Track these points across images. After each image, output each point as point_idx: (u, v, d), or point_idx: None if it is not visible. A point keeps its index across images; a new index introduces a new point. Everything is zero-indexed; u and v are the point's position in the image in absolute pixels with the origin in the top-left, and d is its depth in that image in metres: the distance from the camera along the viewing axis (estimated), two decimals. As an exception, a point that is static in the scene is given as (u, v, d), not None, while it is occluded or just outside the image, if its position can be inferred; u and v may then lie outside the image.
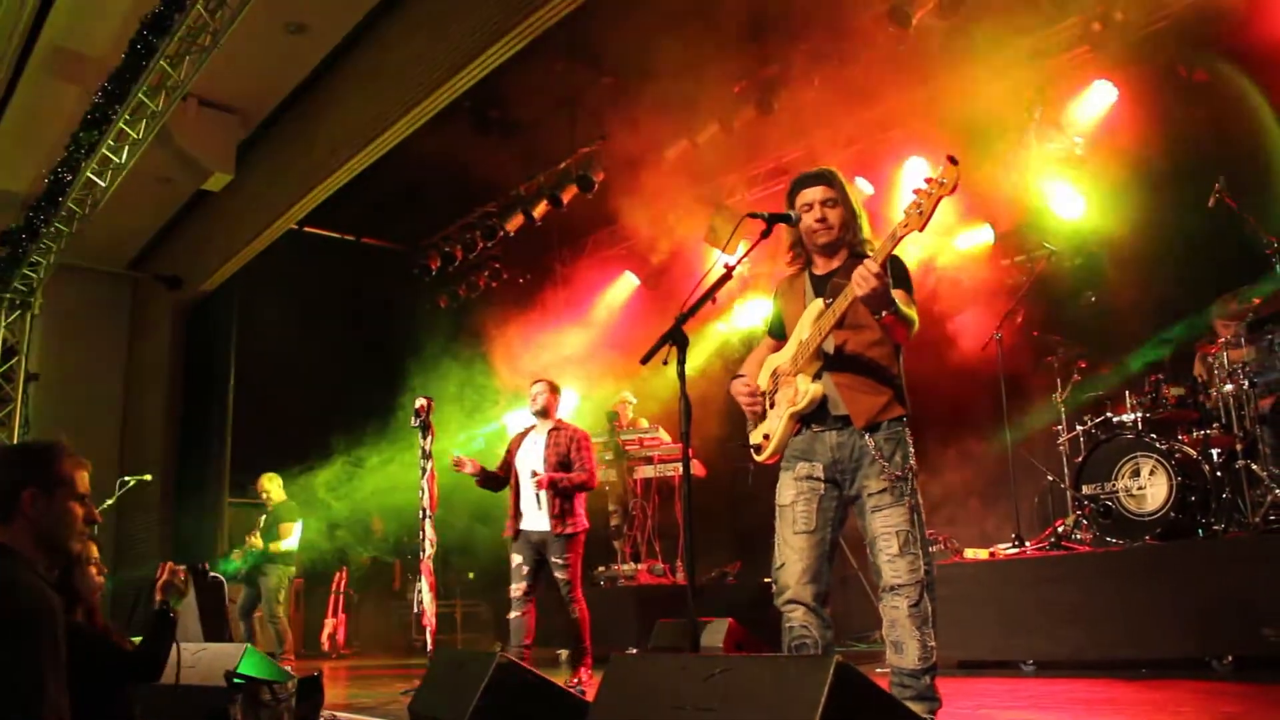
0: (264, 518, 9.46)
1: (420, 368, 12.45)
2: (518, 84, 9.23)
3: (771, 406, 3.71)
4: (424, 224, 13.36)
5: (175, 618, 3.76)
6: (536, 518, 6.64)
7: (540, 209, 11.51)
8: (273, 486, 9.65)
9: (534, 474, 6.63)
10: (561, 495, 6.61)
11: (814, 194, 3.67)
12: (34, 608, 2.72)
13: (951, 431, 9.31)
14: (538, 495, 6.61)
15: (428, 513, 7.07)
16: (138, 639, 3.68)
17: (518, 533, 6.70)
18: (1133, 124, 8.26)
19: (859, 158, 10.17)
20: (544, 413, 7.00)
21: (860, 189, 10.22)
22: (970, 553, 7.29)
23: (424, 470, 7.11)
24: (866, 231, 3.73)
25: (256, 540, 9.24)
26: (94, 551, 3.98)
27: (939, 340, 8.83)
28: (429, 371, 12.25)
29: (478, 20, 7.69)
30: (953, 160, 3.22)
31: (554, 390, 7.08)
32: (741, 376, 3.84)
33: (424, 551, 7.06)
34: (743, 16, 8.44)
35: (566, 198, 11.18)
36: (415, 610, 7.20)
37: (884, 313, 3.34)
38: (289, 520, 9.35)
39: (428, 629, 7.16)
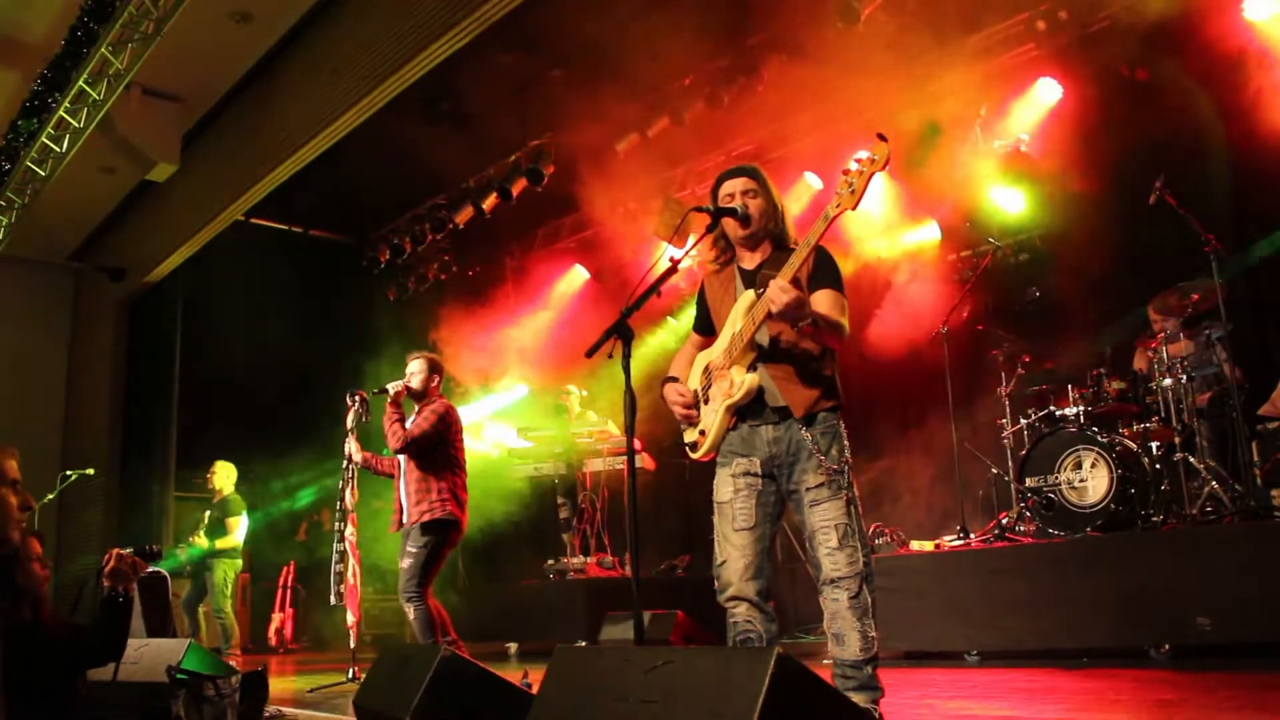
0: (209, 512, 9.30)
1: (369, 361, 12.36)
2: (468, 76, 9.18)
3: (706, 402, 3.72)
4: (373, 216, 13.25)
5: (128, 600, 3.75)
6: (405, 506, 6.23)
7: (490, 201, 11.45)
8: (224, 476, 9.46)
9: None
10: (419, 477, 6.15)
11: (735, 185, 3.71)
12: None
13: (898, 425, 9.42)
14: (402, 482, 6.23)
15: (352, 507, 7.04)
16: None
17: (400, 525, 6.28)
18: (1076, 122, 8.40)
19: (807, 152, 10.23)
20: (421, 395, 6.41)
21: (809, 183, 10.30)
22: (916, 544, 7.37)
23: (349, 462, 7.00)
24: (790, 227, 3.76)
25: (202, 539, 9.06)
26: (36, 547, 3.92)
27: (885, 335, 8.91)
28: (378, 364, 12.17)
29: (427, 11, 7.64)
30: (881, 137, 3.26)
31: (434, 369, 6.48)
32: (673, 381, 3.84)
33: (339, 534, 7.02)
34: (693, 10, 8.45)
35: (516, 190, 11.13)
36: (335, 601, 7.12)
37: (802, 324, 3.36)
38: (235, 514, 9.21)
39: (351, 628, 7.16)
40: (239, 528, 9.18)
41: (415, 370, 6.43)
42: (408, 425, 6.23)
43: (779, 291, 3.26)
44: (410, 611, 6.01)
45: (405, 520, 6.21)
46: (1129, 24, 8.19)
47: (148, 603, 8.01)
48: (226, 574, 9.10)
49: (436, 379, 6.49)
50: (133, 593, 3.78)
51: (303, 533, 13.43)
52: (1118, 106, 8.27)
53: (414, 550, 6.04)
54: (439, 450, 6.23)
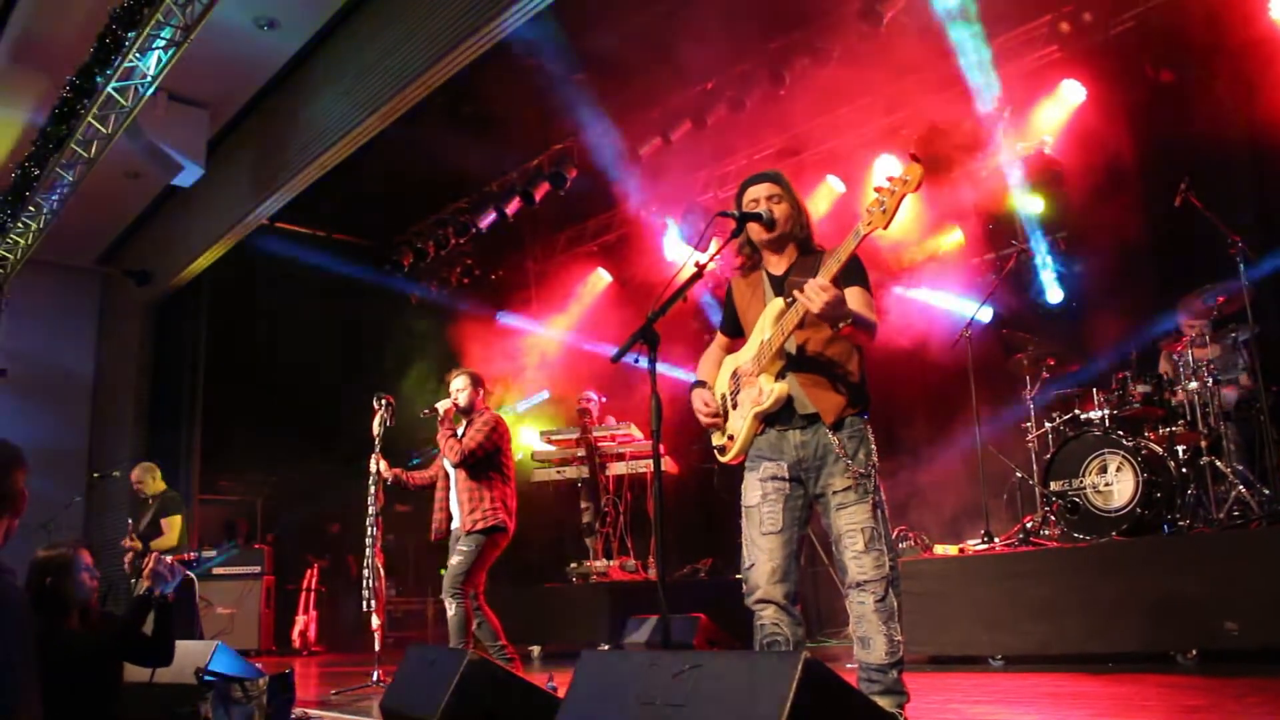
0: (148, 514, 9.02)
1: (392, 364, 12.42)
2: (491, 80, 9.21)
3: (734, 408, 3.73)
4: (396, 220, 13.31)
5: (169, 605, 3.83)
6: (456, 515, 6.38)
7: (513, 205, 11.50)
8: (149, 477, 9.21)
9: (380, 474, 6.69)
10: (472, 487, 6.28)
11: (759, 190, 3.72)
12: (4, 604, 2.71)
13: (922, 428, 9.40)
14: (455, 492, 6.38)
15: (377, 511, 7.10)
16: None
17: (446, 533, 6.46)
18: (1100, 124, 8.35)
19: (831, 155, 10.23)
20: (469, 409, 6.54)
21: (832, 186, 10.30)
22: (940, 549, 7.34)
23: (375, 472, 7.06)
24: (814, 230, 3.77)
25: (135, 542, 8.75)
26: (87, 558, 3.96)
27: (909, 338, 8.89)
28: (401, 368, 12.23)
29: (451, 16, 7.68)
30: (915, 158, 3.24)
31: (477, 383, 6.63)
32: (702, 386, 3.85)
33: (372, 542, 7.09)
34: (715, 14, 8.46)
35: (539, 194, 11.17)
36: (366, 609, 7.19)
37: (841, 325, 3.37)
38: (173, 514, 8.93)
39: (376, 631, 7.21)
40: (177, 527, 8.91)
41: (460, 387, 6.57)
42: (461, 438, 6.38)
43: (817, 291, 3.26)
44: (450, 608, 6.16)
45: (457, 527, 6.36)
46: (1153, 25, 8.16)
47: (175, 605, 8.03)
48: None
49: (481, 392, 6.65)
50: (171, 597, 3.86)
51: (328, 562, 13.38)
52: (1142, 108, 8.23)
53: (464, 550, 6.21)
54: (491, 460, 6.39)
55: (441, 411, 6.50)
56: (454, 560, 6.23)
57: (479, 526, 6.21)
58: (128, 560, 8.68)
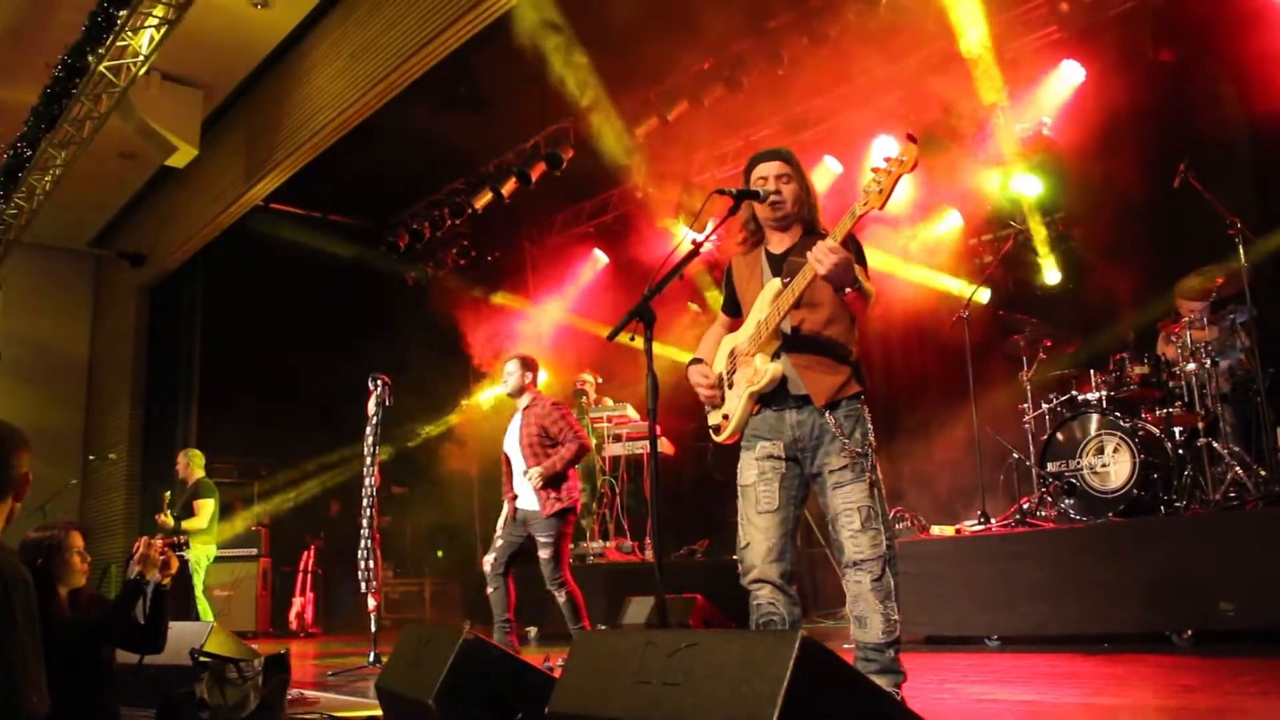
0: (183, 494, 9.17)
1: (389, 346, 12.38)
2: (486, 60, 9.16)
3: (730, 387, 3.70)
4: (392, 201, 13.25)
5: (164, 592, 3.83)
6: (528, 497, 6.41)
7: (509, 186, 11.44)
8: (190, 462, 9.37)
9: (524, 473, 6.42)
10: (553, 479, 6.34)
11: (769, 169, 3.68)
12: (10, 582, 2.70)
13: (918, 410, 9.39)
14: (526, 475, 6.40)
15: (374, 492, 7.10)
16: None
17: (515, 511, 6.50)
18: (1100, 104, 8.30)
19: (829, 136, 10.18)
20: (518, 392, 6.63)
21: (829, 167, 10.26)
22: (936, 529, 7.34)
23: (372, 452, 7.06)
24: (820, 212, 3.74)
25: (167, 518, 8.95)
26: (78, 541, 3.94)
27: (906, 319, 8.87)
28: (397, 349, 12.19)
29: (446, -6, 7.65)
30: (912, 138, 3.22)
31: (527, 366, 6.67)
32: (699, 363, 3.83)
33: (368, 523, 7.09)
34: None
35: (535, 175, 11.12)
36: (364, 589, 7.21)
37: (847, 290, 3.34)
38: (204, 497, 9.07)
39: (371, 612, 7.23)
40: (206, 510, 9.06)
41: (511, 371, 6.66)
42: (547, 447, 6.43)
43: (826, 253, 3.24)
44: (560, 597, 6.24)
45: (524, 507, 6.44)
46: (1153, 5, 8.11)
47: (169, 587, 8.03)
48: (199, 558, 9.04)
49: (531, 375, 6.69)
50: (166, 585, 3.84)
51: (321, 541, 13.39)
52: (1142, 89, 8.17)
53: (548, 541, 6.27)
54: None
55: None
56: (543, 555, 6.28)
57: (555, 509, 6.28)
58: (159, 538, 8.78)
